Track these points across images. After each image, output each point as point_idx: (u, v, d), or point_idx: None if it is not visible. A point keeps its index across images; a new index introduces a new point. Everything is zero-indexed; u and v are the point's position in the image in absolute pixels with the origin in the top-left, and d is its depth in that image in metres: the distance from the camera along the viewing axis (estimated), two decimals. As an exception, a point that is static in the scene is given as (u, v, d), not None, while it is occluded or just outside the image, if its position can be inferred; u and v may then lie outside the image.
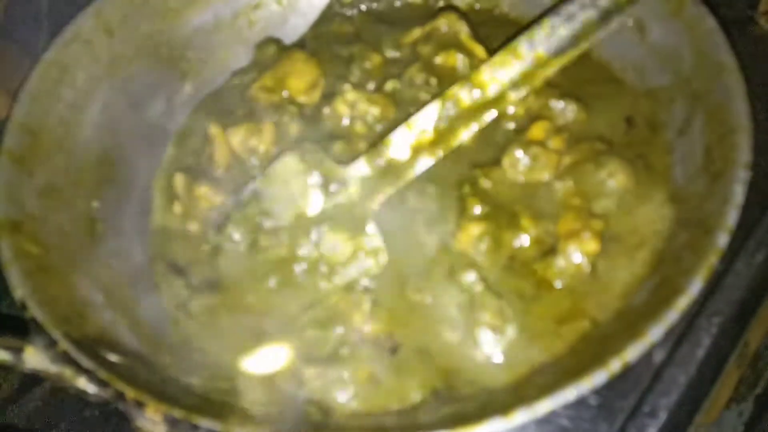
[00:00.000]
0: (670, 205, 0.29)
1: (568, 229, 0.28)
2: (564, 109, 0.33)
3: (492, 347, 0.26)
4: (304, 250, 0.28)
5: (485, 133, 0.34)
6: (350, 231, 0.28)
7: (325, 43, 0.41)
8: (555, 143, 0.32)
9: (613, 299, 0.27)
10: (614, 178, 0.30)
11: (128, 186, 0.35)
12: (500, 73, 0.29)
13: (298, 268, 0.28)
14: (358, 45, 0.40)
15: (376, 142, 0.31)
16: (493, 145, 0.34)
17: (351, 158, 0.31)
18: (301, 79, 0.37)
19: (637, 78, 0.34)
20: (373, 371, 0.24)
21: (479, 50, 0.34)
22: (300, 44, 0.42)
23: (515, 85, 0.29)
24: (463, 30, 0.35)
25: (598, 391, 0.34)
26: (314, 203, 0.29)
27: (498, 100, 0.30)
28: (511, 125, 0.34)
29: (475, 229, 0.29)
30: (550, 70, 0.29)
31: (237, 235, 0.29)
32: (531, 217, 0.30)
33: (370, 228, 0.29)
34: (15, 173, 0.29)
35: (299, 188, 0.29)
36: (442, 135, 0.29)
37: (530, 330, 0.27)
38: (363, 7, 0.44)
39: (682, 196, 0.29)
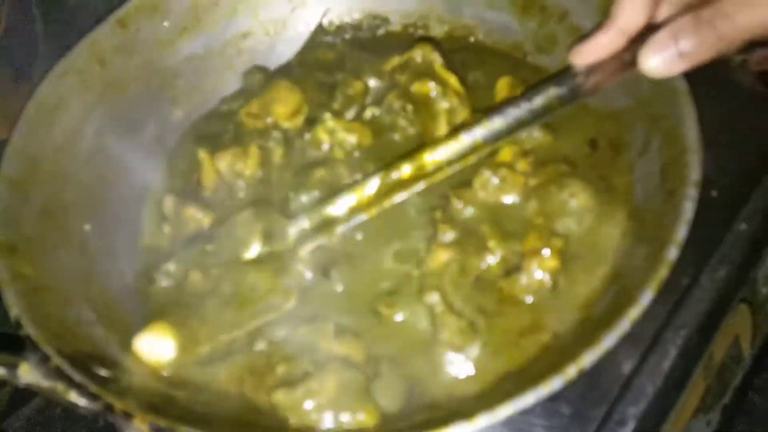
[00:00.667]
0: (629, 223, 0.31)
1: (531, 248, 0.30)
2: (531, 133, 0.36)
3: (454, 364, 0.28)
4: (226, 288, 0.30)
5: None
6: (275, 273, 0.30)
7: (310, 71, 0.43)
8: (522, 166, 0.34)
9: (573, 312, 0.28)
10: (576, 199, 0.31)
11: (120, 208, 0.36)
12: (440, 155, 0.32)
13: (214, 302, 0.30)
14: (341, 72, 0.42)
15: (322, 199, 0.33)
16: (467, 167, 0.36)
17: (295, 213, 0.33)
18: (285, 106, 0.39)
19: (600, 101, 0.36)
20: (342, 384, 0.26)
21: (452, 79, 0.36)
22: (286, 71, 0.44)
23: (451, 162, 0.32)
24: (437, 60, 0.37)
25: (572, 401, 0.36)
26: (253, 249, 0.31)
27: (434, 174, 0.32)
28: (484, 148, 0.36)
29: (444, 256, 0.31)
30: (484, 152, 0.32)
31: (172, 268, 0.31)
32: (498, 238, 0.31)
33: (292, 272, 0.31)
34: (12, 198, 0.31)
35: (244, 235, 0.31)
36: (379, 198, 0.32)
37: (494, 344, 0.28)
38: (347, 35, 0.47)
39: (641, 214, 0.30)
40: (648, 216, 0.30)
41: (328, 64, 0.44)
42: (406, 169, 0.32)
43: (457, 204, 0.33)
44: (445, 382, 0.28)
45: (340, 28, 0.46)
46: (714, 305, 0.39)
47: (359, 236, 0.33)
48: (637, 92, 0.34)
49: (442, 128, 0.36)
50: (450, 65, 0.38)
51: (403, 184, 0.32)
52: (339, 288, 0.31)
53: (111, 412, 0.23)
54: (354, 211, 0.32)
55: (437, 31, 0.45)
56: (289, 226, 0.32)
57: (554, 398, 0.36)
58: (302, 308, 0.30)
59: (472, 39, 0.44)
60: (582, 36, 0.30)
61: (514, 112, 0.31)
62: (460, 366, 0.28)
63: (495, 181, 0.34)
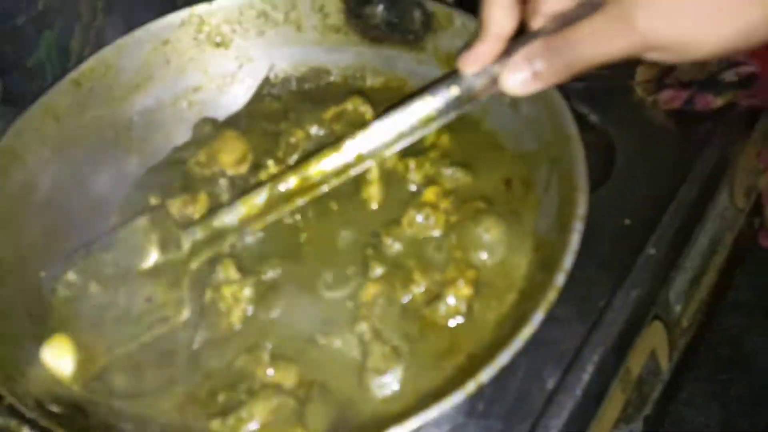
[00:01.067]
0: (534, 253, 0.35)
1: (449, 278, 0.33)
2: (453, 174, 0.40)
3: (381, 387, 0.31)
4: (122, 299, 0.32)
5: (391, 193, 0.40)
6: (169, 285, 0.33)
7: (256, 120, 0.47)
8: (444, 204, 0.38)
9: (486, 335, 0.32)
10: (489, 233, 0.35)
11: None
12: (325, 165, 0.34)
13: (111, 313, 0.32)
14: (285, 122, 0.45)
15: (212, 210, 0.36)
16: (397, 205, 0.39)
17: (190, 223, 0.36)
18: (231, 154, 0.42)
19: (514, 144, 0.41)
20: (273, 410, 0.28)
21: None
22: (234, 121, 0.48)
23: (337, 173, 0.34)
24: (368, 111, 0.41)
25: (502, 417, 0.39)
26: (149, 258, 0.34)
27: (320, 185, 0.34)
28: (412, 188, 0.40)
29: (373, 290, 0.34)
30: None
31: (72, 277, 0.33)
32: (422, 271, 0.35)
33: (186, 283, 0.34)
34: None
35: (141, 244, 0.34)
36: (267, 209, 0.35)
37: (416, 367, 0.32)
38: (292, 87, 0.51)
39: (543, 245, 0.34)
40: (548, 247, 0.33)
41: (273, 114, 0.47)
42: (292, 182, 0.34)
43: (387, 240, 0.37)
44: (372, 404, 0.31)
45: (286, 80, 0.50)
46: (627, 325, 0.43)
47: (298, 269, 0.36)
48: (542, 137, 0.38)
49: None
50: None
51: (290, 196, 0.34)
52: (277, 317, 0.34)
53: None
54: (244, 222, 0.35)
55: (374, 81, 0.49)
56: (183, 236, 0.34)
57: (485, 415, 0.39)
58: (243, 337, 0.33)
59: (406, 89, 0.49)
60: (464, 47, 0.31)
61: (398, 121, 0.32)
62: (385, 389, 0.31)
63: (420, 219, 0.37)
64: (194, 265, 0.34)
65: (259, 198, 0.35)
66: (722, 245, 0.55)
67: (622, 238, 0.47)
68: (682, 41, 0.26)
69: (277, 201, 0.35)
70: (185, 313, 0.33)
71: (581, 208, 0.32)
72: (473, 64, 0.31)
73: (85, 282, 0.33)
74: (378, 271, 0.35)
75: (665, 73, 0.58)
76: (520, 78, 0.29)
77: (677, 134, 0.55)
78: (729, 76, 0.55)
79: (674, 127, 0.55)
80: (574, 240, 0.30)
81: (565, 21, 0.29)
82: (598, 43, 0.27)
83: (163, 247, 0.34)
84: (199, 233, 0.35)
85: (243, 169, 0.42)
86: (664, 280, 0.47)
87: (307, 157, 0.35)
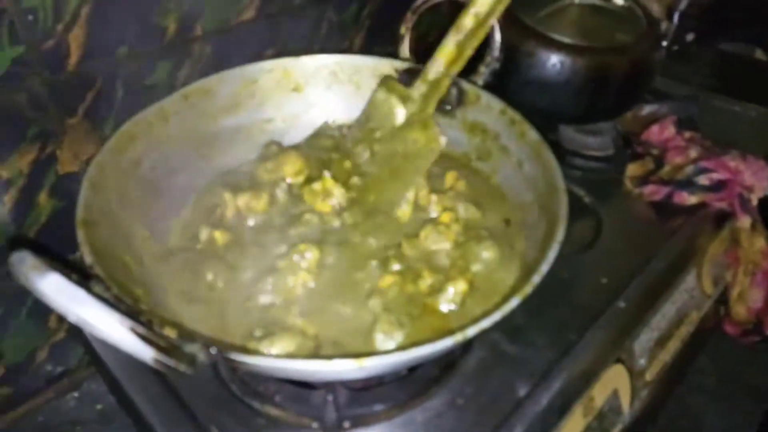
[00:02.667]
0: (520, 273, 0.44)
1: (451, 276, 0.43)
2: (465, 209, 0.50)
3: (382, 344, 0.39)
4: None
5: (417, 216, 0.51)
6: (422, 127, 0.48)
7: (314, 150, 0.58)
8: (455, 227, 0.48)
9: (470, 321, 0.40)
10: (487, 252, 0.45)
11: (159, 215, 0.49)
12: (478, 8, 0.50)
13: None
14: (336, 153, 0.57)
15: (422, 69, 0.52)
16: (419, 224, 0.50)
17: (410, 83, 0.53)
18: (292, 166, 0.53)
19: (515, 195, 0.51)
20: (297, 346, 0.37)
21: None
22: (295, 148, 0.59)
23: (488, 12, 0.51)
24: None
25: (477, 411, 0.46)
26: (400, 115, 0.50)
27: (485, 20, 0.51)
28: (433, 214, 0.51)
29: (389, 279, 0.44)
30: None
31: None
32: (430, 271, 0.44)
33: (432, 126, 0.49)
34: (91, 192, 0.43)
35: (388, 107, 0.49)
36: (459, 51, 0.51)
37: (413, 336, 0.40)
38: (344, 131, 0.63)
39: (528, 267, 0.44)
40: (531, 264, 0.43)
41: (327, 147, 0.59)
42: (468, 23, 0.52)
43: (406, 246, 0.47)
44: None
45: (340, 126, 0.62)
46: (593, 358, 0.51)
47: (341, 253, 0.46)
48: (537, 190, 0.49)
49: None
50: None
51: (470, 35, 0.52)
52: (313, 287, 0.43)
53: (150, 329, 0.33)
54: (448, 66, 0.52)
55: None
56: (412, 93, 0.48)
57: (463, 408, 0.47)
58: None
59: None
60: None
61: None
62: (386, 346, 0.40)
63: (434, 234, 0.47)
64: (431, 110, 0.51)
65: (450, 44, 0.50)
66: (688, 319, 0.63)
67: (598, 292, 0.56)
68: None
69: (462, 43, 0.50)
70: (443, 141, 0.50)
71: (559, 235, 0.41)
72: None
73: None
74: (395, 266, 0.45)
75: (651, 172, 0.70)
76: None
77: (655, 220, 0.65)
78: (702, 179, 0.66)
79: (653, 214, 0.66)
80: (551, 255, 0.39)
81: None
82: None
83: (404, 102, 0.50)
84: (422, 87, 0.50)
85: (300, 179, 0.53)
86: (629, 330, 0.55)
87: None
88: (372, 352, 0.36)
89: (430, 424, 0.46)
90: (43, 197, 0.55)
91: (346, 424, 0.45)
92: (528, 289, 0.38)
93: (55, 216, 0.57)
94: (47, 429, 0.58)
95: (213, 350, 0.32)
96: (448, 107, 0.58)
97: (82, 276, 0.32)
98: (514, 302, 0.37)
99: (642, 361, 0.57)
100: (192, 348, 0.32)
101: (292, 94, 0.61)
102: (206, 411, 0.44)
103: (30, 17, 0.48)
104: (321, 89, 0.61)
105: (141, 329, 0.29)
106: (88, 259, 0.37)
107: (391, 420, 0.46)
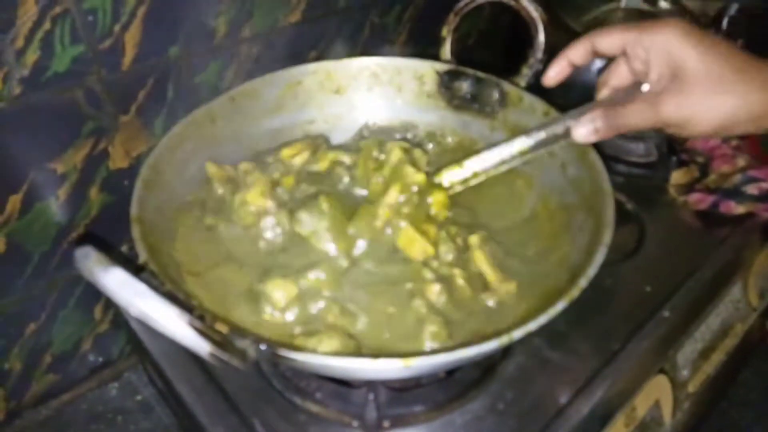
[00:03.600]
0: (567, 275, 0.44)
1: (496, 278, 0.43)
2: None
3: (430, 345, 0.40)
4: None
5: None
6: None
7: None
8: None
9: (517, 320, 0.40)
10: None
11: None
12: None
13: None
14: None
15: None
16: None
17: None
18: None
19: (558, 197, 0.51)
20: (340, 345, 0.38)
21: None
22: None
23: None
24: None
25: (517, 416, 0.46)
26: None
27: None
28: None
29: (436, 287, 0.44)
30: (480, 178, 0.50)
31: None
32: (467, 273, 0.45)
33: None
34: (143, 191, 0.45)
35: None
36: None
37: (456, 338, 0.40)
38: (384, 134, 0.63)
39: (573, 268, 0.43)
40: (575, 268, 0.42)
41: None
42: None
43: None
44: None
45: (381, 128, 0.63)
46: (636, 367, 0.50)
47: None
48: (582, 192, 0.48)
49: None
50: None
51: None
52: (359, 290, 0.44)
53: (202, 321, 0.34)
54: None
55: (451, 139, 0.61)
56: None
57: (504, 413, 0.46)
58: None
59: (475, 147, 0.60)
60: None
61: (503, 151, 0.50)
62: (432, 346, 0.40)
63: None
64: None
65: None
66: (733, 332, 0.61)
67: (641, 300, 0.55)
68: (687, 120, 0.37)
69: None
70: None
71: (607, 237, 0.41)
72: (549, 77, 0.47)
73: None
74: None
75: (697, 180, 0.68)
76: (584, 131, 0.43)
77: (701, 230, 0.64)
78: (750, 189, 0.64)
79: (699, 224, 0.65)
80: (598, 258, 0.39)
81: (620, 94, 0.44)
82: (635, 117, 0.41)
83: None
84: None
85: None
86: (674, 340, 0.54)
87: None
88: (418, 352, 0.36)
89: (469, 427, 0.45)
90: (94, 192, 0.57)
91: (386, 424, 0.45)
92: (575, 292, 0.37)
93: (105, 210, 0.58)
94: (91, 417, 0.59)
95: (263, 346, 0.33)
96: (489, 109, 0.58)
97: (135, 270, 0.33)
98: (560, 305, 0.36)
99: (685, 372, 0.55)
100: (243, 343, 0.33)
101: (334, 95, 0.61)
102: (249, 404, 0.45)
103: (90, 17, 0.50)
104: (362, 91, 0.62)
105: (198, 324, 0.29)
106: (143, 255, 0.39)
107: (431, 422, 0.46)
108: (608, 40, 0.43)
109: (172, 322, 0.29)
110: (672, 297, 0.55)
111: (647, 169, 0.71)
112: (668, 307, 0.54)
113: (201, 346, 0.30)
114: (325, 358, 0.34)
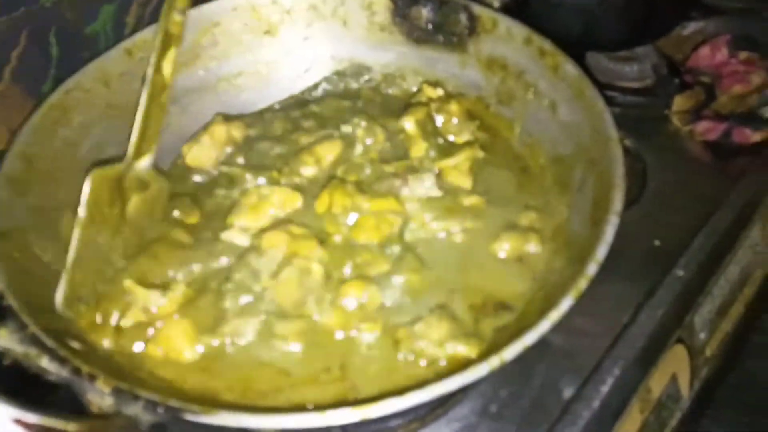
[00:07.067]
0: (567, 249, 0.34)
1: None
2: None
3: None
4: None
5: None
6: None
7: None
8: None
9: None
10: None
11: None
12: None
13: None
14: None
15: None
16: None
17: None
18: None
19: (548, 147, 0.41)
20: None
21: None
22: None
23: None
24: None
25: (516, 421, 0.38)
26: None
27: None
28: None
29: None
30: None
31: None
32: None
33: None
34: (9, 193, 0.34)
35: None
36: None
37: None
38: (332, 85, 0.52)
39: (573, 240, 0.34)
40: (579, 242, 0.33)
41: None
42: None
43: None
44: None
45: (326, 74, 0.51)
46: (650, 342, 0.42)
47: None
48: (579, 140, 0.38)
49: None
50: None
51: None
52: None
53: (77, 376, 0.25)
54: None
55: (412, 81, 0.50)
56: None
57: (498, 417, 0.38)
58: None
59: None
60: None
61: None
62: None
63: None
64: None
65: None
66: (752, 280, 0.54)
67: (650, 257, 0.47)
68: None
69: None
70: None
71: (617, 204, 0.31)
72: None
73: None
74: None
75: (703, 105, 0.58)
76: None
77: (712, 165, 0.55)
78: (768, 111, 0.55)
79: (709, 158, 0.55)
80: (610, 232, 0.30)
81: None
82: None
83: None
84: None
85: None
86: (690, 303, 0.46)
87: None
88: (375, 397, 0.26)
89: (461, 440, 0.38)
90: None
91: (356, 445, 0.37)
92: (582, 283, 0.29)
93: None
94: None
95: (160, 410, 0.24)
96: (455, 39, 0.47)
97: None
98: (565, 305, 0.28)
99: (702, 336, 0.48)
100: (132, 409, 0.23)
101: (264, 38, 0.50)
102: None
103: None
104: (300, 29, 0.50)
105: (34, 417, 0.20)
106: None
107: (412, 436, 0.38)
108: None
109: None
110: (685, 251, 0.47)
111: (644, 96, 0.61)
112: (682, 264, 0.46)
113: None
114: (248, 418, 0.24)
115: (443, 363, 0.31)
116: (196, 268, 0.35)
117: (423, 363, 0.31)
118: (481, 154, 0.41)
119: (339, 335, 0.33)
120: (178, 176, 0.42)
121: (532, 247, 0.36)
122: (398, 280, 0.34)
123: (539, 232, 0.37)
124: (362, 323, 0.33)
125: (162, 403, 0.24)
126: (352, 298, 0.33)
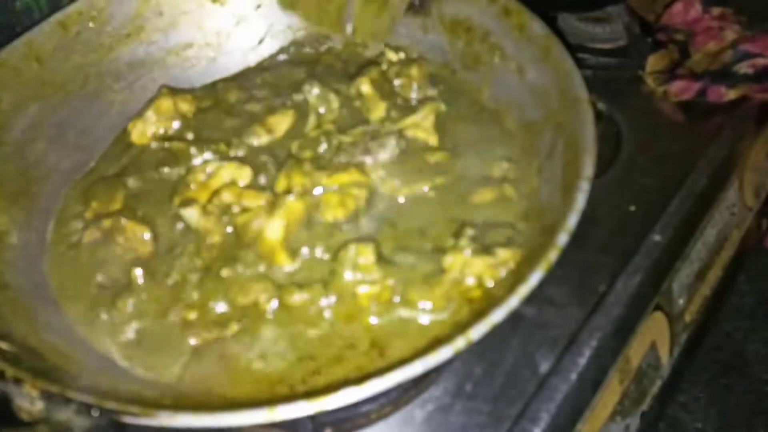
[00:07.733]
0: (537, 218, 0.33)
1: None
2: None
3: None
4: None
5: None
6: None
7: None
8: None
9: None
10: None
11: (43, 202, 0.36)
12: None
13: None
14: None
15: None
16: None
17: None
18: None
19: (516, 113, 0.39)
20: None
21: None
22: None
23: None
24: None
25: (489, 400, 0.37)
26: None
27: None
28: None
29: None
30: None
31: None
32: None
33: None
34: None
35: None
36: None
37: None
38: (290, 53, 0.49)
39: (545, 209, 0.32)
40: (550, 210, 0.31)
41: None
42: None
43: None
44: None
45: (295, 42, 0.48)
46: (628, 310, 0.41)
47: None
48: (548, 104, 0.36)
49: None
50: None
51: None
52: None
53: (1, 380, 0.22)
54: None
55: (374, 50, 0.47)
56: None
57: (473, 396, 0.37)
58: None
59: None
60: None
61: None
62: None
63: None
64: None
65: None
66: (729, 242, 0.53)
67: (625, 224, 0.45)
68: None
69: None
70: None
71: (588, 169, 0.29)
72: None
73: None
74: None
75: (677, 64, 0.56)
76: None
77: (686, 126, 0.53)
78: (743, 68, 0.53)
79: (684, 118, 0.54)
80: (580, 199, 0.28)
81: None
82: None
83: None
84: None
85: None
86: (668, 268, 0.45)
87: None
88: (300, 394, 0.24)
89: (432, 421, 0.36)
90: None
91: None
92: (552, 255, 0.27)
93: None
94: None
95: (95, 413, 0.21)
96: (417, 1, 0.44)
97: None
98: (534, 278, 0.26)
99: (681, 302, 0.47)
100: (64, 414, 0.21)
101: (214, 5, 0.46)
102: None
103: None
104: (251, -6, 0.46)
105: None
106: None
107: (385, 419, 0.36)
108: None
109: None
110: (661, 215, 0.45)
111: (617, 57, 0.58)
112: (658, 229, 0.45)
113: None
114: (180, 417, 0.22)
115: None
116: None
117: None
118: (443, 107, 0.38)
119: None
120: (121, 155, 0.39)
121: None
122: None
123: (513, 182, 0.35)
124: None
125: (96, 405, 0.22)
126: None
